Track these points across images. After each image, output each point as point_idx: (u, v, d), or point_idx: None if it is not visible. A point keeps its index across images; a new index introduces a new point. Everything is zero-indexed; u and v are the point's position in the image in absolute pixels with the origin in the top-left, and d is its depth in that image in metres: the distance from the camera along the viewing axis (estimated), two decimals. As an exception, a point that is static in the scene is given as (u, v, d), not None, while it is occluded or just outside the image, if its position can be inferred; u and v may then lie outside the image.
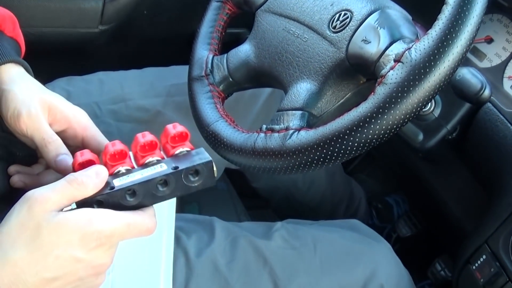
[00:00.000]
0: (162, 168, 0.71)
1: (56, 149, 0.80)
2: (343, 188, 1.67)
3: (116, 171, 0.72)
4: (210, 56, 1.04)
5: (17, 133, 0.84)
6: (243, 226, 1.13)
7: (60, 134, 0.84)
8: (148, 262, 0.89)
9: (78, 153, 0.75)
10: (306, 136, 0.79)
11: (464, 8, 0.72)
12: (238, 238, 1.06)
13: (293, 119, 0.85)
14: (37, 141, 0.81)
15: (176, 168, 0.71)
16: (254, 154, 0.85)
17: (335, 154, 0.77)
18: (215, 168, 0.72)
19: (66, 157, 0.80)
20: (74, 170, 0.72)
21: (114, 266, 0.86)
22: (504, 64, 1.07)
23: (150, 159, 0.73)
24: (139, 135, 0.74)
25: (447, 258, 1.37)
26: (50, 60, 1.32)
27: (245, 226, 1.14)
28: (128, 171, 0.72)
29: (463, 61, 0.74)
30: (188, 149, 0.75)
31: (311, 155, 0.78)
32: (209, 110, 0.97)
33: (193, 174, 0.72)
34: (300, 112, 0.86)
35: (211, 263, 1.01)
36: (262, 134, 0.85)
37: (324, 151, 0.77)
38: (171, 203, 0.98)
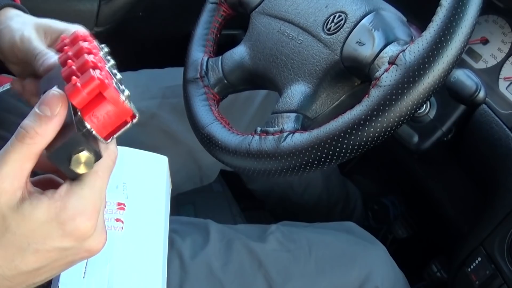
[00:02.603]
0: None
1: (42, 56, 0.75)
2: (339, 190, 1.67)
3: None
4: (205, 58, 1.03)
5: (17, 65, 0.82)
6: (238, 229, 1.12)
7: None
8: (142, 264, 0.89)
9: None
10: (301, 138, 0.79)
11: (459, 10, 0.72)
12: (232, 241, 1.06)
13: (288, 122, 0.85)
14: (31, 61, 0.76)
15: None
16: (249, 157, 0.85)
17: (329, 157, 0.76)
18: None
19: (49, 59, 0.74)
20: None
21: (110, 269, 0.86)
22: (500, 65, 1.07)
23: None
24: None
25: (443, 260, 1.37)
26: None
27: (240, 228, 1.14)
28: None
29: (457, 63, 0.74)
30: None
31: (306, 158, 0.78)
32: (204, 113, 0.97)
33: None
34: (294, 114, 0.86)
35: (206, 266, 1.01)
36: (256, 137, 0.85)
37: (319, 153, 0.77)
38: (166, 205, 0.98)
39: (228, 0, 1.06)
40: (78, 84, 0.56)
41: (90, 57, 0.61)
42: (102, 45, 0.69)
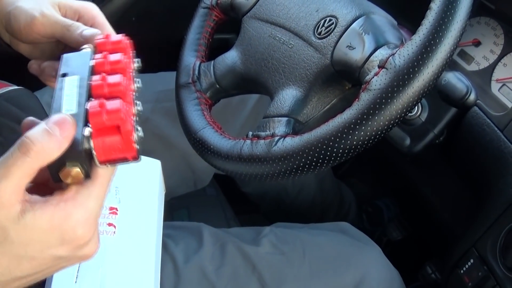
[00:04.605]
0: None
1: (78, 26, 0.79)
2: (333, 193, 1.67)
3: None
4: (197, 63, 1.04)
5: (29, 45, 0.85)
6: (231, 232, 1.12)
7: None
8: (135, 269, 0.89)
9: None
10: (292, 142, 0.79)
11: (448, 13, 0.73)
12: (226, 244, 1.06)
13: (279, 126, 0.85)
14: (58, 33, 0.80)
15: None
16: (241, 161, 0.85)
17: (320, 161, 0.77)
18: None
19: (90, 29, 0.79)
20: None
21: (102, 273, 0.86)
22: (492, 67, 1.07)
23: None
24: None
25: (437, 261, 1.37)
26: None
27: (234, 231, 1.13)
28: None
29: (447, 66, 0.74)
30: None
31: (297, 162, 0.78)
32: (196, 117, 0.97)
33: None
34: (286, 118, 0.86)
35: (199, 270, 1.01)
36: (248, 141, 0.85)
37: (310, 157, 0.77)
38: (159, 209, 0.98)
39: (220, 4, 1.06)
40: (104, 109, 0.57)
41: (123, 80, 0.62)
42: (136, 60, 0.72)
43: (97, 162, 0.58)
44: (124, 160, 0.59)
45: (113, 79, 0.62)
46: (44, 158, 0.55)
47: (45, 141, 0.55)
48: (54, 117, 0.56)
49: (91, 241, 0.60)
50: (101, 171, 0.60)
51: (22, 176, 0.55)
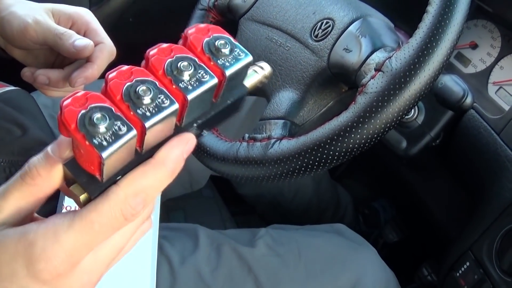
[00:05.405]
0: None
1: (71, 36, 0.81)
2: (329, 194, 1.67)
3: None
4: (194, 64, 1.03)
5: (22, 51, 0.86)
6: (227, 233, 1.12)
7: None
8: (131, 271, 0.89)
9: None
10: (288, 145, 0.79)
11: (445, 17, 0.73)
12: (222, 246, 1.06)
13: (275, 128, 0.85)
14: (50, 40, 0.82)
15: None
16: (237, 163, 0.85)
17: (316, 163, 0.77)
18: None
19: (82, 39, 0.81)
20: None
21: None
22: (489, 69, 1.07)
23: None
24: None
25: (433, 263, 1.37)
26: (35, 68, 1.32)
27: (230, 233, 1.13)
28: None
29: (443, 69, 0.74)
30: None
31: (293, 164, 0.78)
32: (193, 119, 0.97)
33: None
34: (282, 121, 0.86)
35: (195, 271, 1.01)
36: (244, 143, 0.85)
37: (306, 160, 0.77)
38: (155, 211, 0.98)
39: (217, 6, 1.06)
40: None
41: (121, 72, 0.48)
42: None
43: (97, 178, 0.48)
44: (101, 165, 0.46)
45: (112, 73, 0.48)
46: (43, 183, 0.49)
47: (41, 166, 0.49)
48: (59, 138, 0.49)
49: (72, 279, 0.49)
50: (101, 199, 0.48)
51: (19, 201, 0.49)
